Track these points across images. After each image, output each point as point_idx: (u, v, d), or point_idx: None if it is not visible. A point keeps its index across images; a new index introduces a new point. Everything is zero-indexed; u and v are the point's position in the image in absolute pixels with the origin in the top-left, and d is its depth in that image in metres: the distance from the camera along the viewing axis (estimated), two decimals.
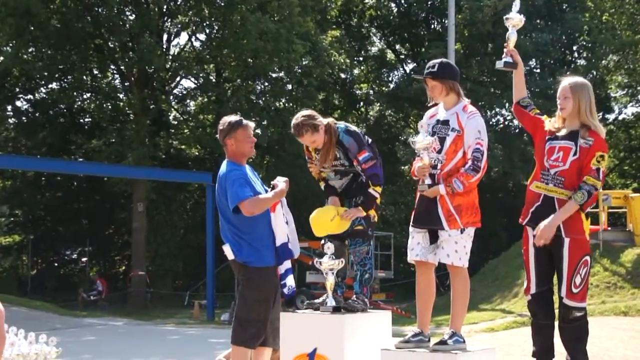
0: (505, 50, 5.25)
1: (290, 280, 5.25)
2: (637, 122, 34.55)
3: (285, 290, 5.23)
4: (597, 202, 18.02)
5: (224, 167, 5.31)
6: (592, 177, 4.88)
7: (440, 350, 4.58)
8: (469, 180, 4.72)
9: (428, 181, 4.77)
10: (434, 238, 4.82)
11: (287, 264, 5.25)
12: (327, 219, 5.08)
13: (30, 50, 25.45)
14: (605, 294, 15.92)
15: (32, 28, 23.85)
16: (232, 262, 5.31)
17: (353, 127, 5.31)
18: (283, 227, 5.24)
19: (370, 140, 5.33)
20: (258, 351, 5.27)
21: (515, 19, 5.28)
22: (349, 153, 5.17)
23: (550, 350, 5.11)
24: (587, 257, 5.00)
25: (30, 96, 30.17)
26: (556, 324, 5.07)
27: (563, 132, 5.00)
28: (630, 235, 17.94)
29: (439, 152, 4.78)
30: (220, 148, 5.76)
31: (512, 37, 5.25)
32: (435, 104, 5.03)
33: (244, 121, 5.34)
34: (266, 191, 5.32)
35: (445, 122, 4.83)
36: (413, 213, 4.94)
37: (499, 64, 5.22)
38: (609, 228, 18.55)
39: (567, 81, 5.05)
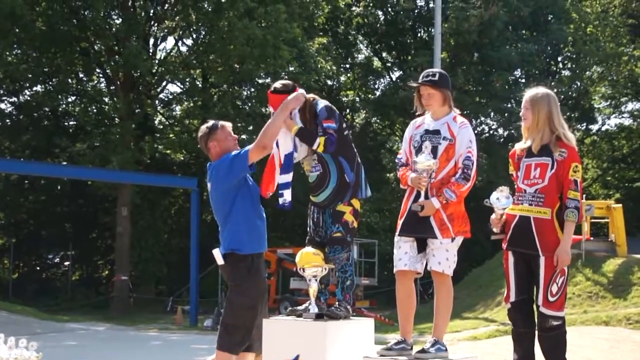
0: (495, 224, 5.24)
1: (287, 195, 5.15)
2: (620, 133, 34.88)
3: (280, 201, 5.17)
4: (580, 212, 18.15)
5: (211, 166, 5.33)
6: (572, 191, 4.99)
7: (422, 359, 4.59)
8: (460, 189, 4.76)
9: (421, 199, 4.80)
10: (421, 247, 4.84)
11: (287, 178, 5.15)
12: (311, 254, 5.07)
13: (14, 52, 25.31)
14: (587, 303, 16.01)
15: (17, 30, 23.73)
16: (221, 267, 5.31)
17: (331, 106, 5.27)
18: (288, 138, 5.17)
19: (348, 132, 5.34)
20: (241, 356, 5.28)
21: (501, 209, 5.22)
22: (317, 119, 5.13)
23: (531, 358, 5.15)
24: (564, 267, 5.06)
25: (14, 98, 30.03)
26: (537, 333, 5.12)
27: (536, 148, 5.08)
28: (612, 246, 18.06)
29: None
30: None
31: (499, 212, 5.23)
32: (421, 114, 5.06)
33: (220, 122, 5.41)
34: (254, 185, 5.30)
35: (436, 132, 4.86)
36: (400, 222, 4.94)
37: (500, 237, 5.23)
38: (592, 238, 18.67)
39: (528, 93, 5.17)
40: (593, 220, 19.26)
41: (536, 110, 5.06)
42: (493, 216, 5.19)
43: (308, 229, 5.31)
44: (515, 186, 5.25)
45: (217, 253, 5.27)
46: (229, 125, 5.43)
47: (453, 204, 4.79)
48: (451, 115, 4.92)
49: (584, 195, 21.76)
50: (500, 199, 5.11)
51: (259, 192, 5.31)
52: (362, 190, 5.24)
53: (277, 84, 5.29)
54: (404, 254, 4.87)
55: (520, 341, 5.17)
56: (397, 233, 4.95)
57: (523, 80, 31.64)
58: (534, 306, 5.14)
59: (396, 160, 5.09)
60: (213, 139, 5.33)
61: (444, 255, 4.77)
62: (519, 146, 5.25)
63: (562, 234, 5.05)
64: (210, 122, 5.44)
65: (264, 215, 5.36)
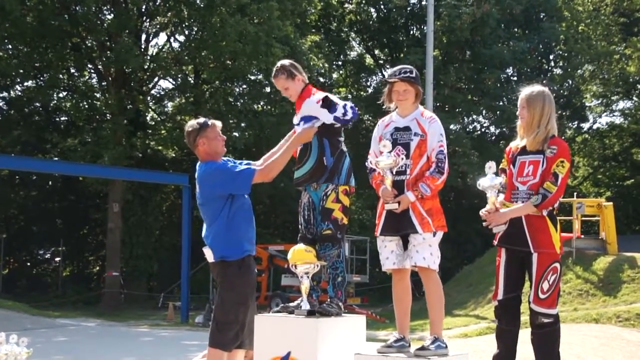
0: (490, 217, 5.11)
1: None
2: (611, 131, 35.01)
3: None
4: (571, 210, 18.22)
5: (201, 167, 5.32)
6: (549, 182, 5.00)
7: (422, 356, 4.58)
8: (434, 183, 4.79)
9: (394, 205, 4.81)
10: (406, 244, 4.87)
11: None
12: (303, 251, 5.07)
13: (5, 47, 25.19)
14: (577, 301, 16.08)
15: (7, 25, 23.60)
16: (212, 264, 5.31)
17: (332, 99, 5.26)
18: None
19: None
20: (232, 353, 5.28)
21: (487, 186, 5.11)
22: (307, 99, 5.18)
23: (511, 355, 5.19)
24: (557, 264, 5.07)
25: (5, 94, 29.87)
26: (525, 331, 5.14)
27: (531, 146, 5.11)
28: (602, 244, 18.13)
29: (406, 157, 4.84)
30: None
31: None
32: (388, 111, 5.09)
33: (211, 120, 5.40)
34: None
35: (406, 129, 4.90)
36: (380, 222, 4.95)
37: (500, 228, 5.07)
38: (582, 236, 18.75)
39: (524, 92, 5.20)
40: (584, 218, 19.35)
41: (532, 108, 5.09)
42: (487, 208, 5.04)
43: (299, 226, 5.32)
44: (506, 182, 5.27)
45: (207, 250, 5.27)
46: (219, 124, 5.41)
47: (430, 199, 4.82)
48: (419, 111, 4.96)
49: (575, 194, 21.89)
50: (487, 181, 5.03)
51: (249, 201, 5.34)
52: (340, 177, 5.21)
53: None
54: (390, 252, 4.90)
55: (502, 338, 5.21)
56: (378, 233, 4.96)
57: (515, 79, 31.73)
58: (521, 305, 5.19)
59: (366, 164, 5.07)
60: (203, 136, 5.30)
61: (427, 250, 4.80)
62: (514, 144, 5.28)
63: (555, 231, 5.07)
64: (201, 119, 5.41)
65: (253, 217, 5.37)
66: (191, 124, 5.40)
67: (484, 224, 4.99)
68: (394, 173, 4.84)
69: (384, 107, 5.10)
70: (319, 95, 5.25)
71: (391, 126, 4.99)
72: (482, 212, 4.99)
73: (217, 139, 5.33)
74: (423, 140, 4.84)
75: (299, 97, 5.32)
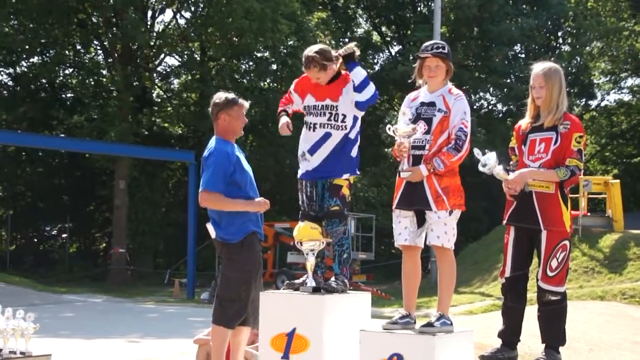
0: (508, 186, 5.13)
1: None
2: (619, 109, 34.82)
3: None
4: (578, 188, 18.18)
5: (212, 143, 5.32)
6: (574, 159, 4.98)
7: (427, 332, 4.58)
8: (450, 160, 4.72)
9: (405, 166, 4.78)
10: (421, 221, 4.83)
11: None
12: (309, 228, 5.06)
13: (11, 22, 25.11)
14: (583, 278, 16.10)
15: (14, 1, 23.52)
16: (215, 241, 5.32)
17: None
18: None
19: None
20: (237, 330, 5.30)
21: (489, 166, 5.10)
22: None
23: (516, 331, 5.20)
24: (566, 242, 5.06)
25: (11, 70, 29.81)
26: (530, 308, 5.15)
27: (549, 123, 5.06)
28: (609, 221, 18.12)
29: (427, 132, 4.78)
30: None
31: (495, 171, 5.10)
32: (418, 87, 5.03)
33: (240, 100, 5.39)
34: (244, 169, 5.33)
35: (431, 104, 4.84)
36: (396, 196, 4.90)
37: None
38: (589, 214, 18.73)
39: (539, 68, 5.13)
40: (590, 196, 19.31)
41: (550, 85, 5.04)
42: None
43: (301, 203, 5.30)
44: (517, 161, 5.24)
45: (210, 226, 5.28)
46: (247, 105, 5.41)
47: (448, 176, 4.77)
48: (447, 88, 4.89)
49: (582, 171, 21.82)
50: (486, 162, 5.04)
51: (251, 177, 5.35)
52: (357, 166, 5.26)
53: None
54: (403, 228, 4.86)
55: (508, 314, 5.22)
56: (394, 206, 4.93)
57: (523, 56, 31.51)
58: (528, 283, 5.18)
59: (386, 129, 5.05)
60: (227, 112, 5.32)
61: (442, 229, 4.76)
62: (524, 121, 5.23)
63: (566, 209, 5.05)
64: (231, 95, 5.40)
65: (258, 196, 5.35)
66: (220, 96, 5.39)
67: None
68: (411, 144, 4.78)
69: (416, 84, 5.03)
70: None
71: (417, 101, 4.94)
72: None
73: (238, 119, 5.36)
74: (446, 117, 4.78)
75: (330, 82, 5.21)
